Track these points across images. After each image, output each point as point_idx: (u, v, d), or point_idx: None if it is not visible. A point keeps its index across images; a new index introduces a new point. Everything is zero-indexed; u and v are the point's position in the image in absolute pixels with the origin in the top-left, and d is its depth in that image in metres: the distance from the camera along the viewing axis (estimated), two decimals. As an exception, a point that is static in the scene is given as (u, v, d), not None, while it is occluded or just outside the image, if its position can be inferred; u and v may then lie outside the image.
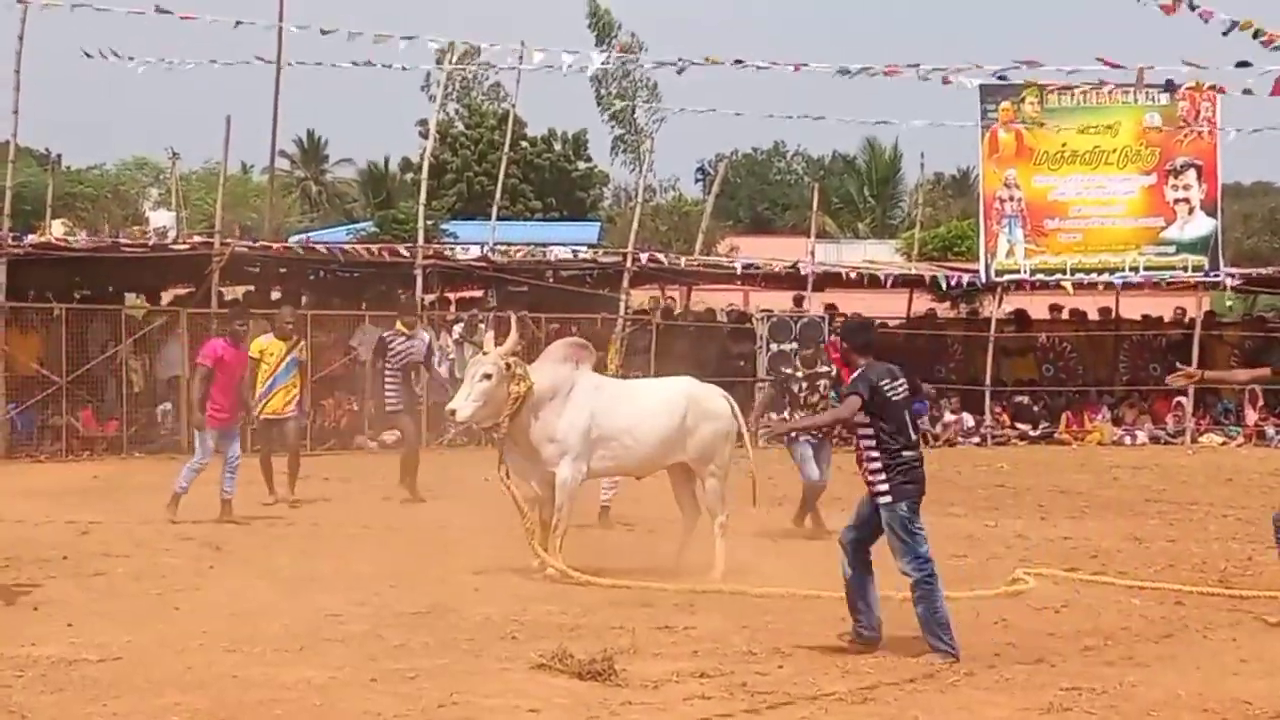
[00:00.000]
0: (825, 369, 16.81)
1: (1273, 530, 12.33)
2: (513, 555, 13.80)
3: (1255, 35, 18.51)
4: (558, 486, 13.75)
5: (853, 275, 32.05)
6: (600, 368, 20.21)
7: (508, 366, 13.68)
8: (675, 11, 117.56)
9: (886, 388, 10.89)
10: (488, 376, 13.60)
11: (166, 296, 30.23)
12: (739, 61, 25.08)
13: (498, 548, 14.25)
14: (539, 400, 13.72)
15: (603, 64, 38.53)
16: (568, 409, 13.77)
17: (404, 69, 31.75)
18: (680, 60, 24.55)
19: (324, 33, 26.59)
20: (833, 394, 16.33)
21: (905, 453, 10.84)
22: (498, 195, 32.69)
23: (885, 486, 10.77)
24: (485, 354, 13.89)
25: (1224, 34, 18.71)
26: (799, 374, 16.87)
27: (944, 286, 31.77)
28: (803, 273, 30.68)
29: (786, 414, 16.86)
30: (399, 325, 20.11)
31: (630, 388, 15.28)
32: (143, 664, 10.03)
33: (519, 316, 15.83)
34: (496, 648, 10.64)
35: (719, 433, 14.34)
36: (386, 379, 19.79)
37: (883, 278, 32.12)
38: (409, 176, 63.60)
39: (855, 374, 11.09)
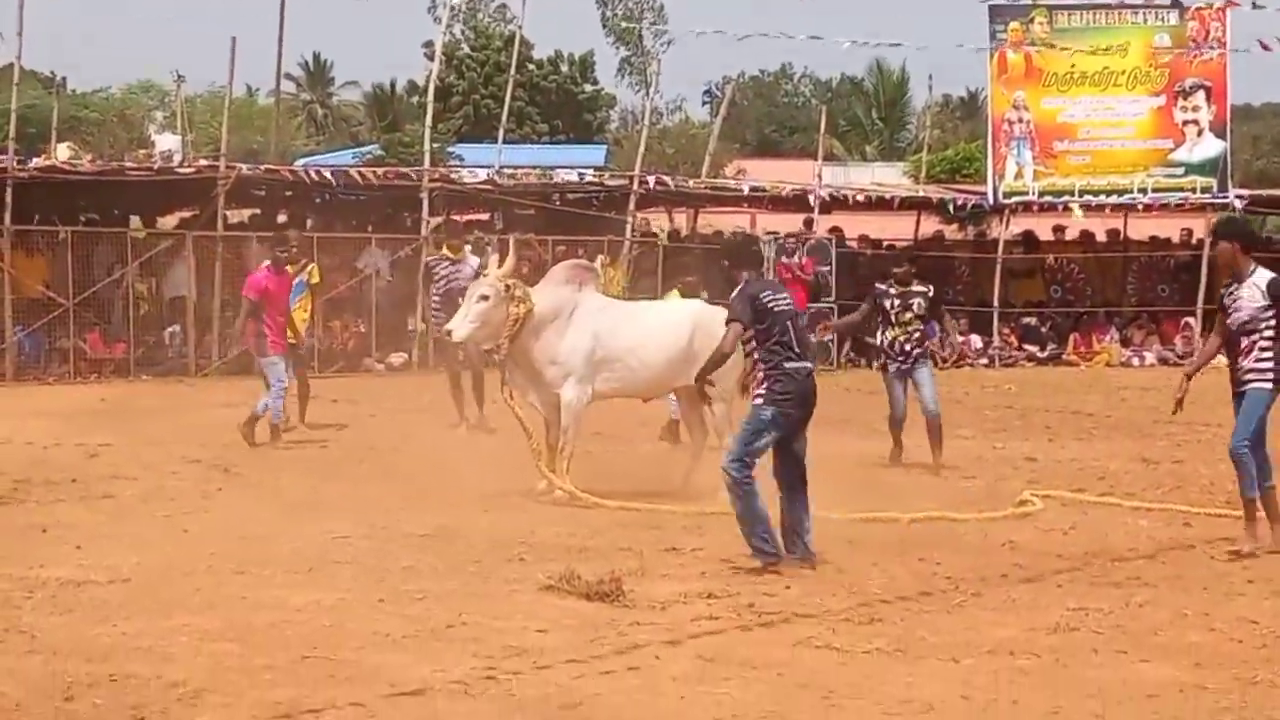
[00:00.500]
0: (921, 288, 16.44)
1: None
2: (521, 477, 13.80)
3: None
4: (562, 408, 13.77)
5: (859, 198, 31.95)
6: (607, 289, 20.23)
7: (507, 288, 13.66)
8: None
9: (767, 299, 11.00)
10: (485, 298, 13.61)
11: (171, 220, 30.18)
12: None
13: (506, 470, 14.24)
14: (540, 322, 13.70)
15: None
16: (570, 331, 13.76)
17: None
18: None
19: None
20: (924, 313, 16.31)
21: (788, 364, 10.89)
22: (504, 118, 32.57)
23: (761, 390, 10.90)
24: (485, 275, 13.95)
25: None
26: (893, 290, 16.45)
27: (951, 208, 31.69)
28: (810, 200, 30.57)
29: (880, 333, 16.59)
30: (445, 249, 19.49)
31: (635, 310, 15.26)
32: (151, 586, 10.07)
33: (521, 238, 15.76)
34: (504, 569, 10.67)
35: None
36: (433, 305, 19.37)
37: (891, 199, 32.04)
38: (415, 99, 63.29)
39: (734, 292, 11.18)
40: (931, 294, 16.41)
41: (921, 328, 16.39)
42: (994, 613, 9.57)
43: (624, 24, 72.67)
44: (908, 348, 16.21)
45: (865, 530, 12.23)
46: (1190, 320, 29.95)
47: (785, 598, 9.87)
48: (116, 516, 12.86)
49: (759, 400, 10.90)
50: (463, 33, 69.59)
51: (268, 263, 18.03)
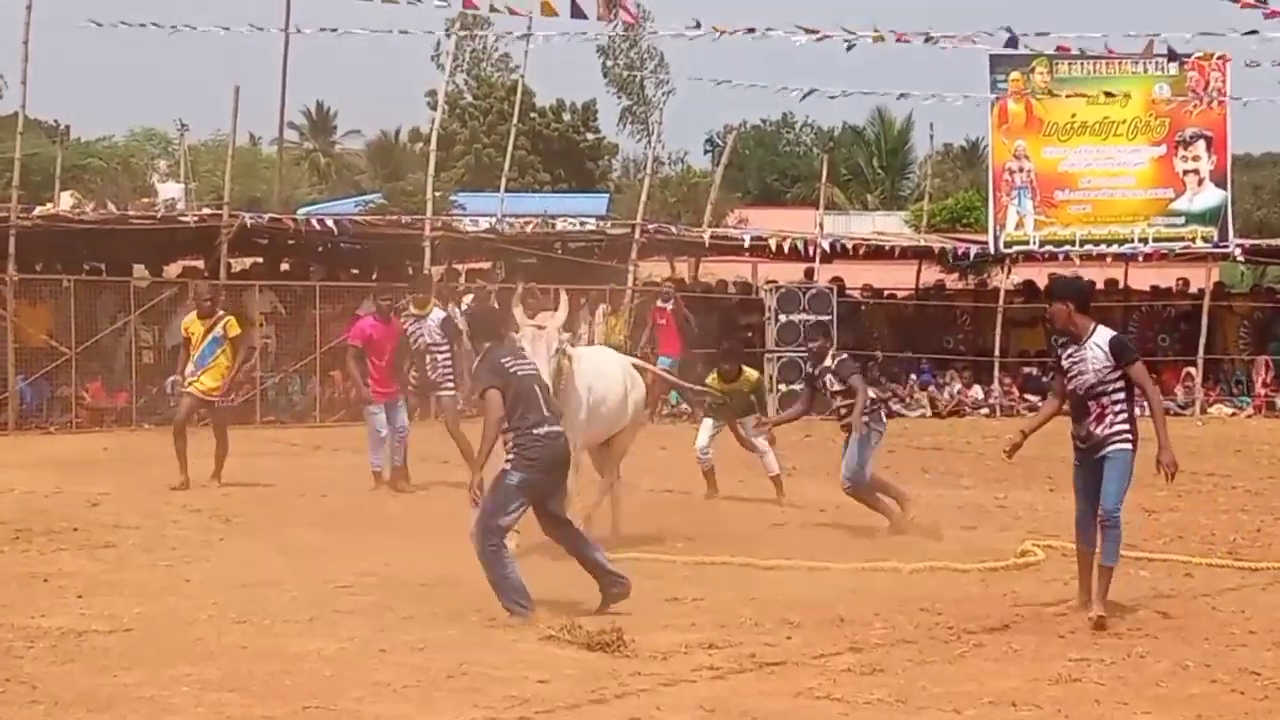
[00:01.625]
0: (828, 363, 15.60)
1: None
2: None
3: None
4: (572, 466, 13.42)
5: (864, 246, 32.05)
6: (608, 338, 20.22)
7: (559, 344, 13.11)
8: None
9: (509, 366, 10.97)
10: (560, 351, 12.98)
11: (175, 268, 30.23)
12: (750, 30, 25.19)
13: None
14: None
15: (610, 34, 38.46)
16: (571, 386, 13.32)
17: (406, 33, 31.90)
18: (690, 28, 24.67)
19: None
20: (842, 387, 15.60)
21: (536, 430, 10.80)
22: (506, 166, 32.66)
23: (510, 456, 10.80)
24: (541, 328, 13.00)
25: None
26: (815, 369, 16.11)
27: (951, 258, 31.76)
28: (809, 250, 30.61)
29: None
30: (411, 306, 18.79)
31: (591, 358, 14.60)
32: (153, 635, 10.07)
33: (529, 286, 15.60)
34: (505, 619, 10.65)
35: (642, 398, 14.69)
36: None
37: (890, 249, 32.12)
38: (418, 148, 63.55)
39: (477, 362, 11.19)
40: (840, 363, 15.48)
41: (846, 402, 15.48)
42: (996, 663, 9.56)
43: (626, 73, 72.90)
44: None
45: (867, 581, 12.23)
46: (1191, 370, 29.93)
47: (787, 648, 9.86)
48: (118, 566, 12.86)
49: (508, 465, 10.81)
50: (465, 82, 69.88)
51: (373, 310, 18.13)
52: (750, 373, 18.03)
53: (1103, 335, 11.03)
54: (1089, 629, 10.47)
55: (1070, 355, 11.09)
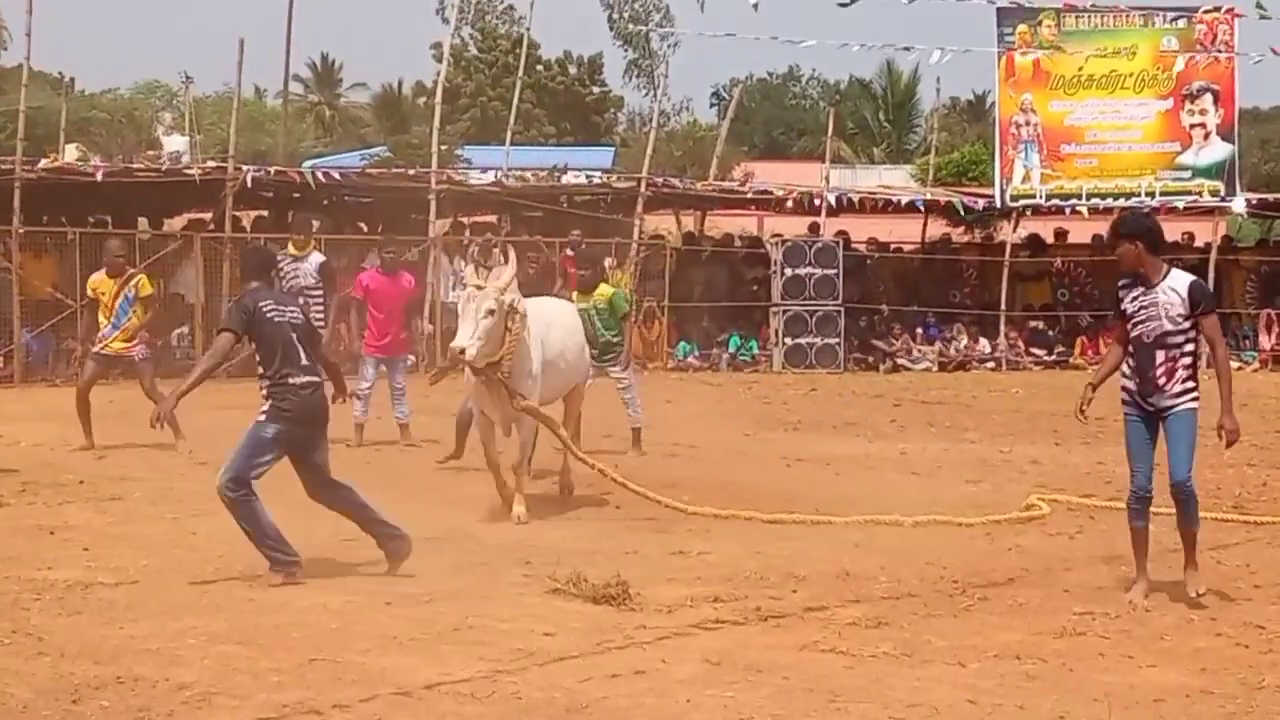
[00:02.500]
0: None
1: None
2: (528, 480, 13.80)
3: None
4: (526, 426, 13.12)
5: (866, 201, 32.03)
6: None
7: (510, 302, 12.75)
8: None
9: (268, 309, 10.56)
10: (491, 313, 12.56)
11: (179, 221, 30.22)
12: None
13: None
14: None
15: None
16: (522, 341, 12.94)
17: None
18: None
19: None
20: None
21: (292, 379, 10.46)
22: (512, 120, 32.61)
23: (265, 407, 10.48)
24: (480, 288, 12.73)
25: None
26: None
27: (961, 210, 31.70)
28: (816, 203, 30.57)
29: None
30: (290, 246, 18.39)
31: (544, 311, 14.04)
32: (159, 588, 10.09)
33: (484, 242, 15.39)
34: (511, 572, 10.68)
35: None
36: None
37: (898, 202, 32.08)
38: (423, 101, 63.40)
39: (233, 302, 10.82)
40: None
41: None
42: (1001, 617, 9.57)
43: (631, 26, 72.74)
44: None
45: (871, 534, 12.25)
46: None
47: (792, 602, 9.87)
48: (124, 518, 12.88)
49: (262, 417, 10.46)
50: (470, 35, 69.70)
51: (377, 263, 18.09)
52: (605, 289, 16.89)
53: (1180, 279, 10.05)
54: (1192, 601, 9.89)
55: (1137, 298, 10.03)
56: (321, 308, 17.71)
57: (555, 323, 13.80)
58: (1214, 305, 10.31)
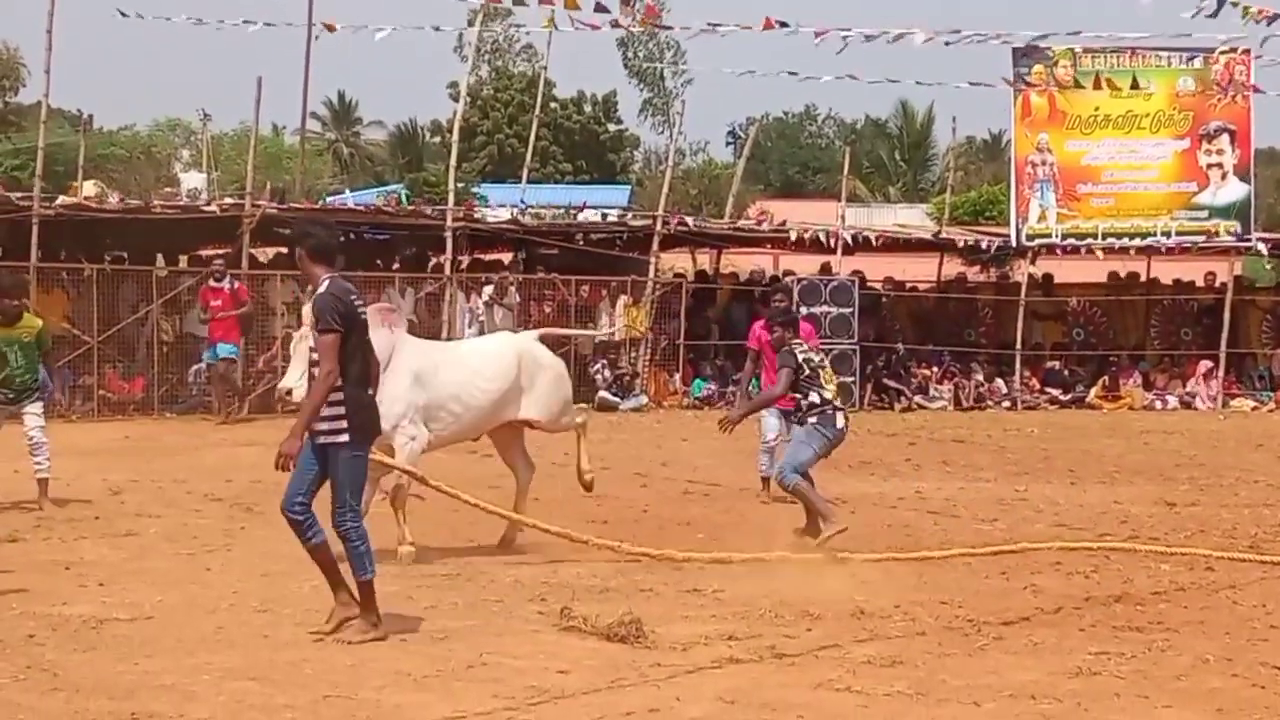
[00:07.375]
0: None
1: None
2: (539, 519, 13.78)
3: (1244, 14, 18.50)
4: (397, 457, 12.74)
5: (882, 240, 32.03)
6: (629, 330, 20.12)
7: None
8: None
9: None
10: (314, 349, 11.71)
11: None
12: (784, 24, 25.28)
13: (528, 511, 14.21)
14: None
15: (630, 28, 38.38)
16: (389, 378, 12.46)
17: (435, 29, 31.98)
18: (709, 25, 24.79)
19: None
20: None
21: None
22: (528, 157, 32.71)
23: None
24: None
25: (1210, 16, 18.75)
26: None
27: (984, 247, 31.66)
28: (830, 243, 30.55)
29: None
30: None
31: (456, 351, 14.27)
32: (174, 623, 10.09)
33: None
34: (526, 609, 10.67)
35: (558, 378, 13.98)
36: None
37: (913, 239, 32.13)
38: (438, 139, 63.61)
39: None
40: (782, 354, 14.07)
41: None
42: (1016, 656, 9.55)
43: (645, 64, 73.01)
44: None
45: (886, 572, 12.21)
46: (1211, 364, 29.87)
47: (806, 640, 9.86)
48: (139, 554, 12.89)
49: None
50: (488, 73, 69.96)
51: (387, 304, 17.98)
52: (34, 320, 15.66)
53: None
54: (1112, 623, 10.30)
55: None
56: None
57: (457, 362, 13.46)
58: None
